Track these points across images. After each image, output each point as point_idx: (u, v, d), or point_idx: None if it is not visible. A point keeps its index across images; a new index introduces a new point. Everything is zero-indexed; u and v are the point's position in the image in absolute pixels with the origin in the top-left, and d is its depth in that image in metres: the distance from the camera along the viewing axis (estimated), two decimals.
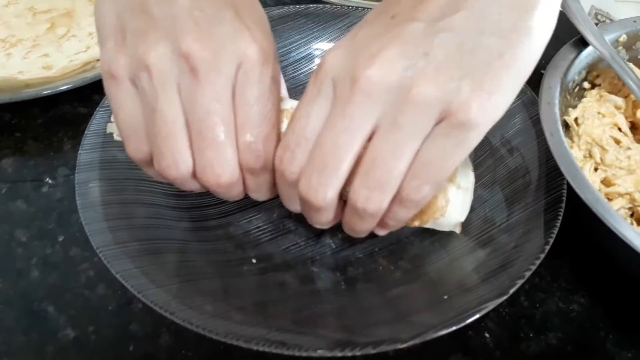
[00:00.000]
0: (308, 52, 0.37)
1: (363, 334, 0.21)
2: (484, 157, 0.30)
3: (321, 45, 0.37)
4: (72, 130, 0.34)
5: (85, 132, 0.28)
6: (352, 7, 0.38)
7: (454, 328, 0.20)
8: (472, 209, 0.28)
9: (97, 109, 0.30)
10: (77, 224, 0.28)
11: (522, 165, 0.28)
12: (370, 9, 0.37)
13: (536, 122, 0.29)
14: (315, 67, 0.37)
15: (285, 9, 0.37)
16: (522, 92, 0.31)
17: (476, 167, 0.30)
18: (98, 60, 0.37)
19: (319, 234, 0.27)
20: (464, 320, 0.21)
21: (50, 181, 0.31)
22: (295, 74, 0.37)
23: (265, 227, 0.28)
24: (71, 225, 0.29)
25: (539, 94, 0.28)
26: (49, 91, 0.32)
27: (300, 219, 0.28)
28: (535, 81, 0.31)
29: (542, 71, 0.39)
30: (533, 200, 0.26)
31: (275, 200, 0.29)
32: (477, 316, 0.21)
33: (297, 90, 0.36)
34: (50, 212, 0.29)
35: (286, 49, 0.37)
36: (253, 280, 0.25)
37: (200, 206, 0.29)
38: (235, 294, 0.23)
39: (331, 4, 0.40)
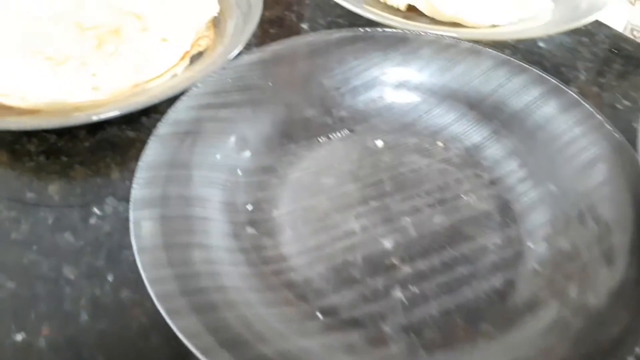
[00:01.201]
0: (367, 78, 0.35)
1: None
2: (561, 214, 0.27)
3: (381, 72, 0.35)
4: (119, 156, 0.33)
5: (139, 164, 0.27)
6: (415, 31, 0.35)
7: None
8: (552, 277, 0.25)
9: (151, 138, 0.28)
10: (128, 262, 0.27)
11: (611, 226, 0.25)
12: (435, 34, 0.35)
13: (626, 172, 0.26)
14: (375, 95, 0.36)
15: (343, 32, 0.35)
16: (607, 135, 0.28)
17: (551, 228, 0.27)
18: (147, 81, 0.35)
19: (388, 285, 0.25)
20: None
21: (98, 212, 0.29)
22: (354, 102, 0.34)
23: (328, 274, 0.26)
24: (121, 262, 0.27)
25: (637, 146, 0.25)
26: (97, 117, 0.30)
27: (365, 267, 0.26)
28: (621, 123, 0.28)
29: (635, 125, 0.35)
30: (627, 267, 0.23)
31: (337, 244, 0.27)
32: None
33: (355, 119, 0.34)
34: (99, 247, 0.27)
35: (344, 76, 0.35)
36: (318, 341, 0.22)
37: (258, 247, 0.27)
38: (301, 356, 0.21)
39: (392, 27, 0.38)
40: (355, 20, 0.44)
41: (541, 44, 0.41)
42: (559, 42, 0.41)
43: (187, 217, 0.26)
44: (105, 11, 0.40)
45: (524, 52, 0.40)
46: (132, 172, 0.32)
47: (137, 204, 0.25)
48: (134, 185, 0.26)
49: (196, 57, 0.38)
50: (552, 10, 0.42)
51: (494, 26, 0.42)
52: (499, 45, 0.41)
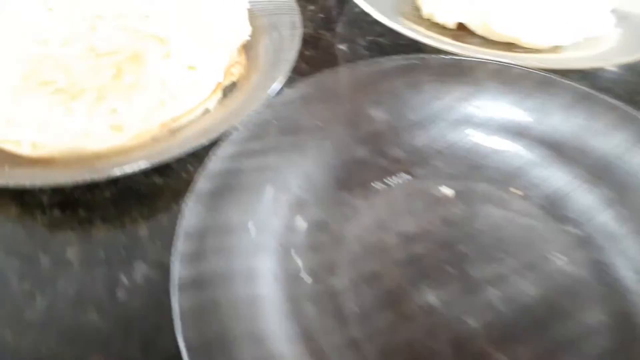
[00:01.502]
0: (425, 113, 0.31)
1: None
2: None
3: (441, 105, 0.31)
4: (146, 208, 0.28)
5: (177, 232, 0.22)
6: (478, 59, 0.31)
7: None
8: None
9: (189, 198, 0.24)
10: (165, 350, 0.23)
11: None
12: (503, 62, 0.31)
13: None
14: (434, 132, 0.31)
15: (396, 60, 0.31)
16: None
17: None
18: (176, 119, 0.31)
19: None
20: None
21: (126, 281, 0.25)
22: (411, 140, 0.30)
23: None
24: (157, 350, 0.23)
25: None
26: (121, 171, 0.26)
27: (452, 356, 0.22)
28: None
29: None
30: None
31: (414, 324, 0.23)
32: None
33: (413, 161, 0.30)
34: (131, 330, 0.23)
35: (399, 110, 0.31)
36: None
37: (322, 333, 0.22)
38: None
39: (445, 51, 0.34)
40: (397, 39, 0.40)
41: (611, 67, 0.37)
42: (628, 65, 0.37)
43: (239, 299, 0.22)
44: (123, 34, 0.36)
45: (592, 78, 0.36)
46: (162, 229, 0.28)
47: (179, 287, 0.21)
48: (173, 260, 0.21)
49: (228, 88, 0.33)
50: (619, 32, 0.38)
51: (555, 47, 0.37)
52: (564, 70, 0.37)
